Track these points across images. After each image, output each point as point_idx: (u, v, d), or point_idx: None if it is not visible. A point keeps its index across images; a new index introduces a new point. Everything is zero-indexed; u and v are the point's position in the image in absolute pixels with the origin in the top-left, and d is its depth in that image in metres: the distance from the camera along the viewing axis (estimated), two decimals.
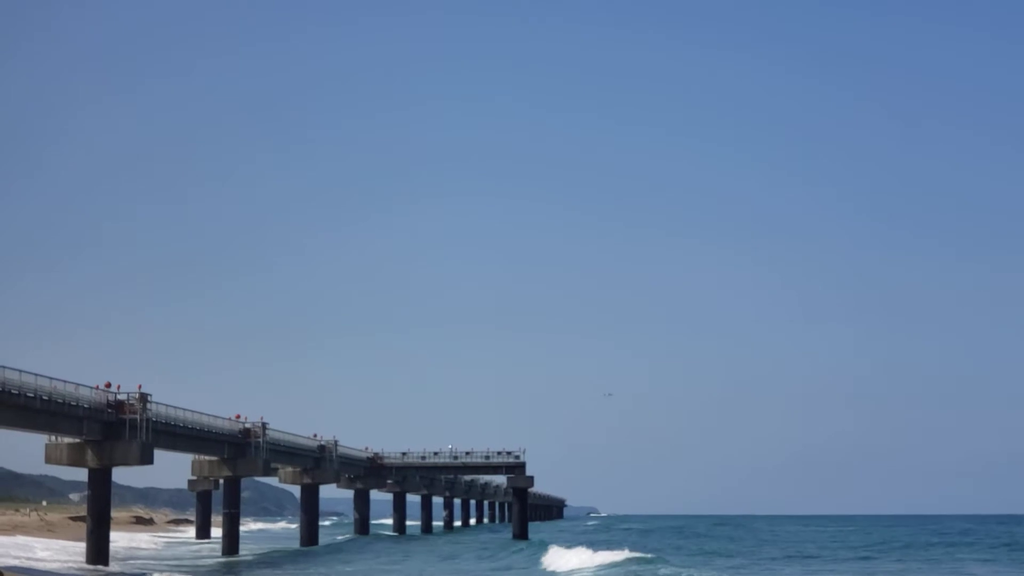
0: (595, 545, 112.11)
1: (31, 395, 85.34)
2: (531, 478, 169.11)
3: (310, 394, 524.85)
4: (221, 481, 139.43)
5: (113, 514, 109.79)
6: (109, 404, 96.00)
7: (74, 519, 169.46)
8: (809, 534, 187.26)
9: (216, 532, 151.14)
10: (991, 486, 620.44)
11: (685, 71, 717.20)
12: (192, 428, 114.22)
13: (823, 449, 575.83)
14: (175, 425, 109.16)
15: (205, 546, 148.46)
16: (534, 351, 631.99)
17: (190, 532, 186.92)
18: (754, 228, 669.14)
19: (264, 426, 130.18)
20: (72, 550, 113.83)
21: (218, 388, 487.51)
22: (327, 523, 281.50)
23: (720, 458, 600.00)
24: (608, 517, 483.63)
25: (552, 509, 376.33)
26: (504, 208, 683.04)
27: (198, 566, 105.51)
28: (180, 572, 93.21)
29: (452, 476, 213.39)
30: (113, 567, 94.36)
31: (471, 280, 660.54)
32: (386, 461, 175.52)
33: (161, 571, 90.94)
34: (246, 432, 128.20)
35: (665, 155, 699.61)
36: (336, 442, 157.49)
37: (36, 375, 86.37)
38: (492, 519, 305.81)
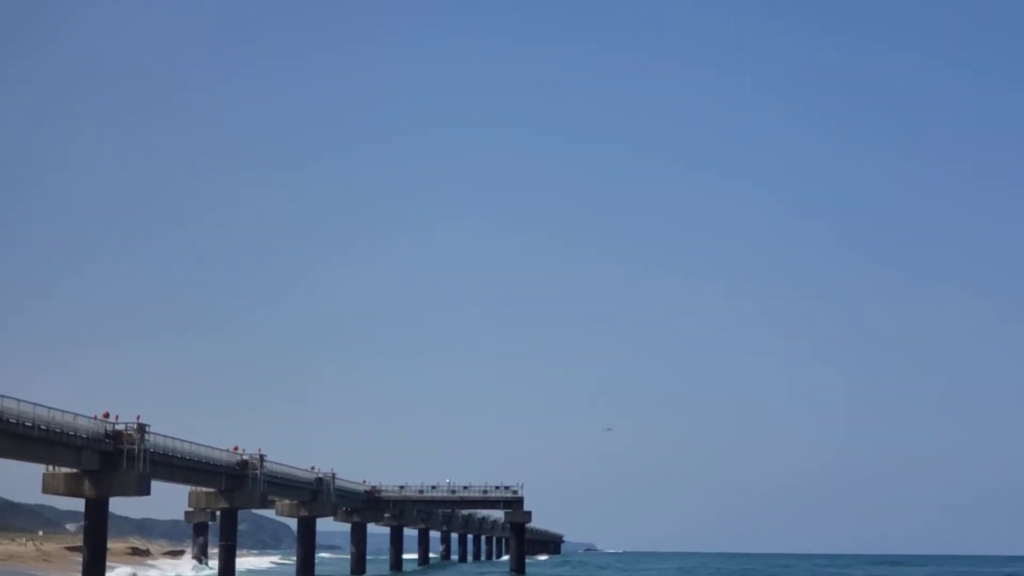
0: None
1: (29, 424, 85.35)
2: (529, 513, 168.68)
3: (307, 426, 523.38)
4: (218, 513, 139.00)
5: (109, 545, 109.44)
6: (107, 434, 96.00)
7: (70, 549, 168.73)
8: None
9: (212, 565, 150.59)
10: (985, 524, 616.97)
11: (687, 102, 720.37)
12: (189, 459, 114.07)
13: (830, 484, 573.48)
14: (173, 456, 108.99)
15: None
16: (534, 385, 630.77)
17: (186, 564, 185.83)
18: (750, 264, 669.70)
19: (262, 458, 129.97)
20: None
21: (214, 419, 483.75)
22: (325, 555, 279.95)
23: (722, 494, 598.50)
24: (604, 554, 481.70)
25: (549, 544, 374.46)
26: (504, 239, 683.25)
27: None
28: None
29: (450, 510, 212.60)
30: None
31: (469, 314, 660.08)
32: (384, 494, 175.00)
33: None
34: (243, 464, 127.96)
35: (663, 190, 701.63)
36: (334, 475, 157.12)
37: (34, 404, 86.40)
38: (489, 555, 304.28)
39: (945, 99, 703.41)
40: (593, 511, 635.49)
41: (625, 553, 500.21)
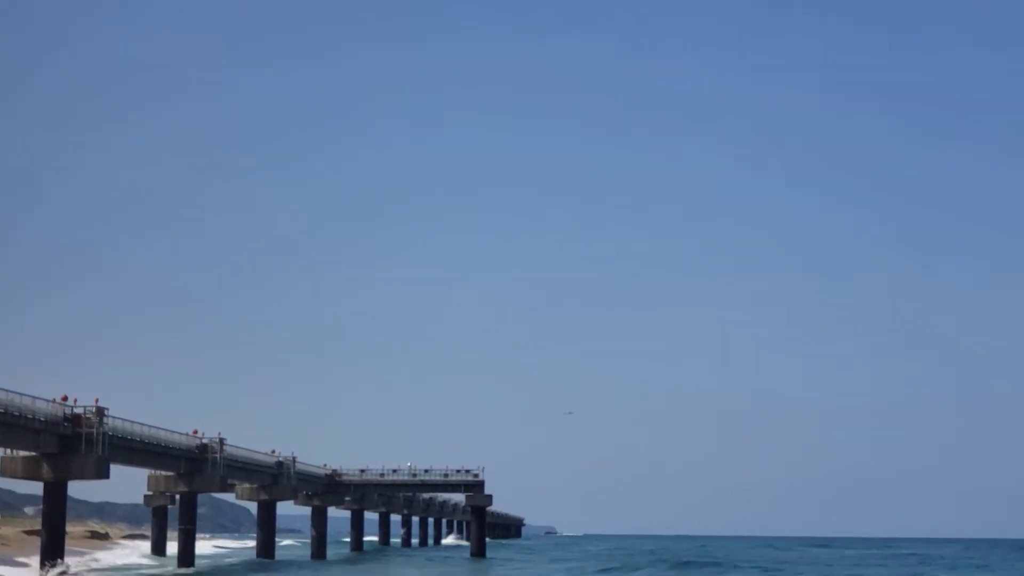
0: None
1: None
2: (490, 496, 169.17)
3: (268, 410, 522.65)
4: (177, 497, 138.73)
5: (68, 528, 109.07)
6: (65, 417, 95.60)
7: (28, 533, 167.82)
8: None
9: (172, 548, 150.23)
10: (992, 510, 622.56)
11: (693, 98, 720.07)
12: (149, 443, 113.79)
13: (797, 473, 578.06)
14: (132, 439, 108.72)
15: (160, 561, 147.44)
16: (495, 369, 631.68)
17: (145, 548, 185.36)
18: (740, 246, 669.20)
19: (221, 442, 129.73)
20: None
21: (173, 403, 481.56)
22: (286, 541, 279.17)
23: (679, 480, 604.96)
24: (563, 537, 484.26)
25: (510, 528, 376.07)
26: (472, 228, 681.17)
27: None
28: None
29: (411, 494, 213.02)
30: None
31: (433, 300, 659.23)
32: (344, 478, 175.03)
33: None
34: (203, 448, 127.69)
35: (651, 170, 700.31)
36: (294, 458, 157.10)
37: None
38: (451, 532, 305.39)
39: (965, 93, 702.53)
40: (553, 496, 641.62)
41: (585, 536, 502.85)
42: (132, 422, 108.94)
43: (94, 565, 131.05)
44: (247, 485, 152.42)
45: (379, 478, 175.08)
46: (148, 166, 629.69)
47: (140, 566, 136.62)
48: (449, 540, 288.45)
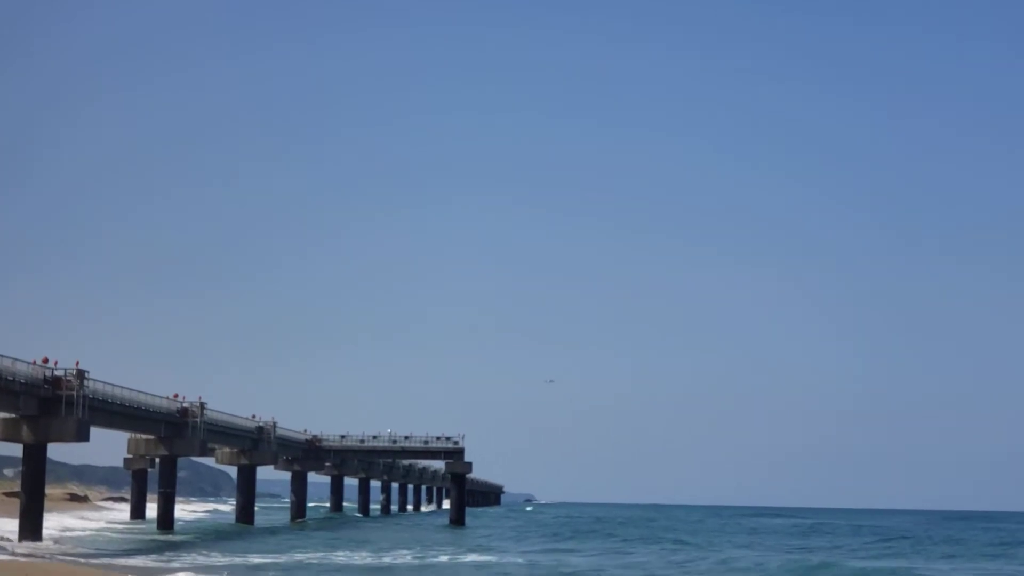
0: None
1: None
2: (469, 464, 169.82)
3: (249, 376, 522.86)
4: (157, 460, 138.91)
5: (47, 491, 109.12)
6: (46, 380, 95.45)
7: (8, 495, 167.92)
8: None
9: (151, 512, 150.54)
10: (986, 484, 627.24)
11: (687, 76, 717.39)
12: (129, 406, 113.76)
13: (774, 445, 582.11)
14: (112, 402, 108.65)
15: (140, 525, 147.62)
16: (476, 337, 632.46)
17: (124, 510, 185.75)
18: (729, 225, 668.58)
19: (202, 406, 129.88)
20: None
21: (154, 368, 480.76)
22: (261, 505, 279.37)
23: (652, 450, 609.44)
24: (540, 505, 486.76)
25: (490, 495, 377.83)
26: (453, 201, 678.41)
27: (135, 541, 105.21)
28: (116, 549, 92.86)
29: (390, 460, 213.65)
30: (47, 544, 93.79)
31: (415, 269, 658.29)
32: (324, 444, 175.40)
33: (96, 548, 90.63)
34: (183, 411, 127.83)
35: (643, 150, 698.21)
36: (274, 423, 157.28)
37: None
38: (430, 503, 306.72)
39: (958, 73, 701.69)
40: (532, 464, 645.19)
41: (560, 504, 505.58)
42: (113, 385, 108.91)
43: (70, 524, 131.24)
44: (227, 449, 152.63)
45: (359, 444, 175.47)
46: (134, 141, 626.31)
47: (117, 529, 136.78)
48: (423, 507, 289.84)
